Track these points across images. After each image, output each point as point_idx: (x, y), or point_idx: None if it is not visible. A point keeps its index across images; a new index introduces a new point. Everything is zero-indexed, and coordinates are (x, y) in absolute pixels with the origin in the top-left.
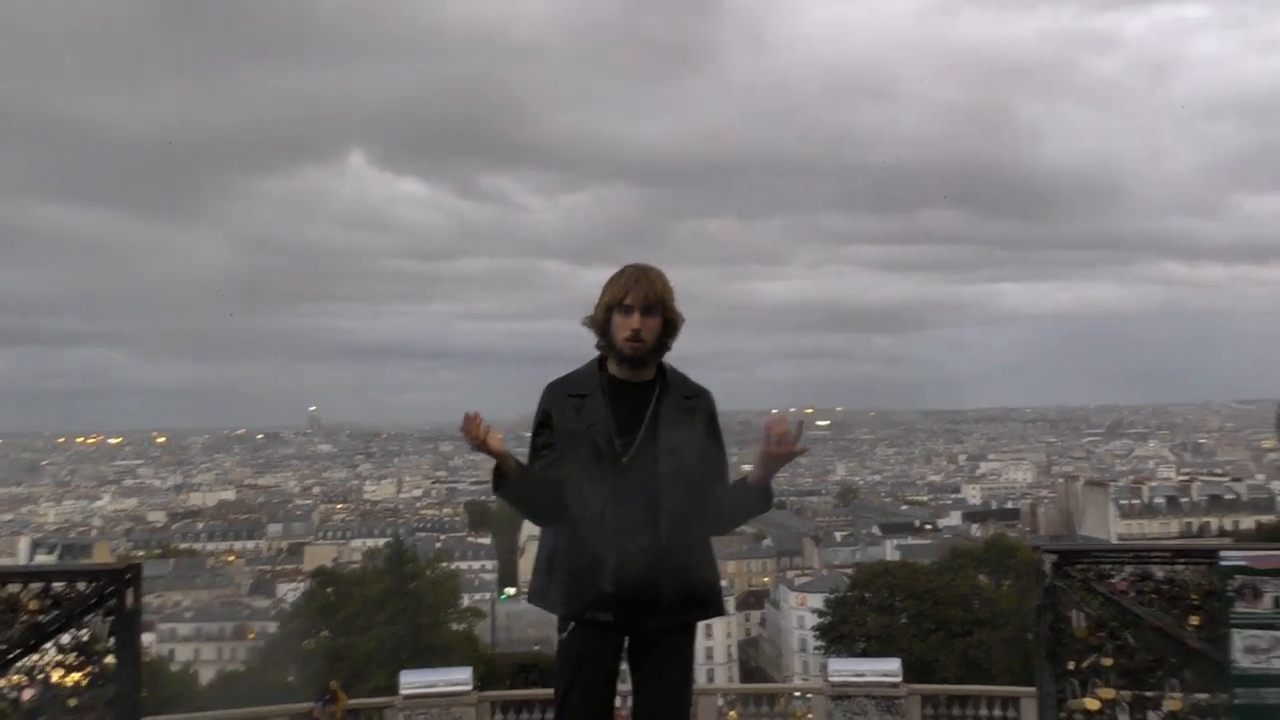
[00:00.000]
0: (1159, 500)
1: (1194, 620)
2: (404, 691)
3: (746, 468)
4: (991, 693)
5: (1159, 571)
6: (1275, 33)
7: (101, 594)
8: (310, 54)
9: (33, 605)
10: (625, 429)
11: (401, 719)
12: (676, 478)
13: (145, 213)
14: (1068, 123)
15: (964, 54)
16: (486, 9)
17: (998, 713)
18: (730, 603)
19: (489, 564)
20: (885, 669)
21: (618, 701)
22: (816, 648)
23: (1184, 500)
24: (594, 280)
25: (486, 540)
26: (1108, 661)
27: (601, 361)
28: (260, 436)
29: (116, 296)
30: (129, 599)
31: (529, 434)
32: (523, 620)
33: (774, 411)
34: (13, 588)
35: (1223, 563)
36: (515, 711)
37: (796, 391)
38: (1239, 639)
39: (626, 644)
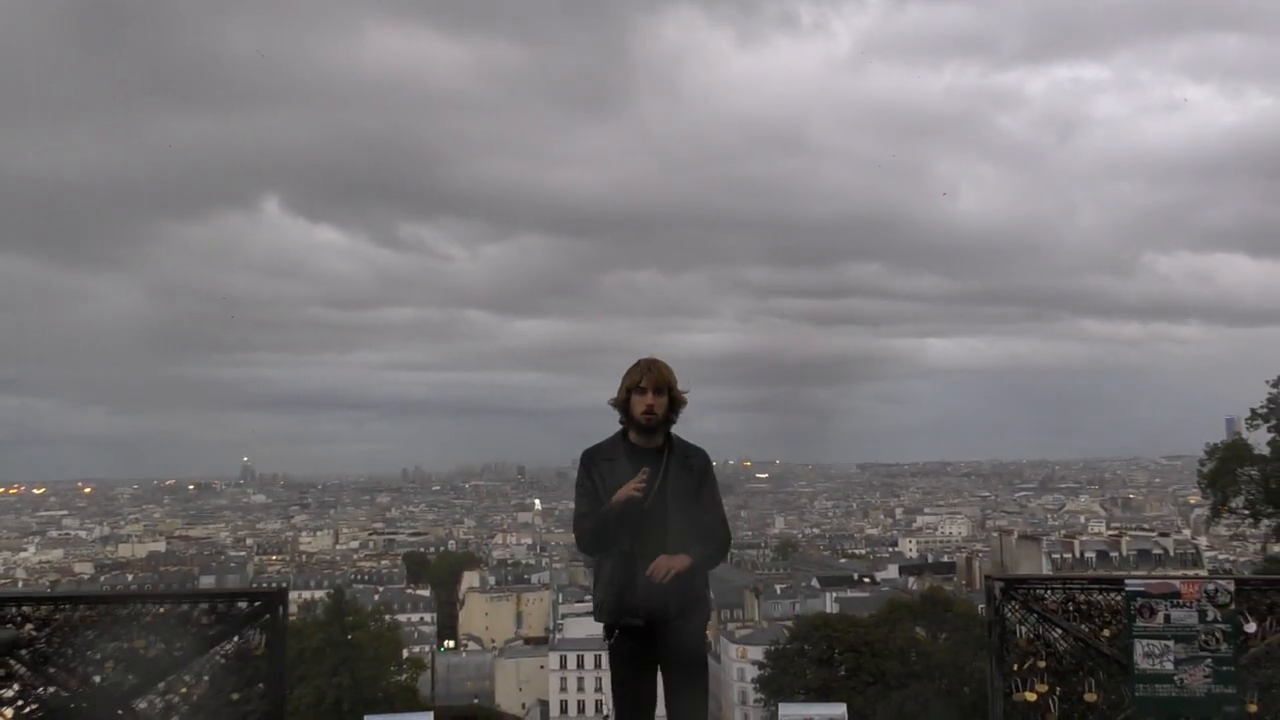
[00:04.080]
0: (1090, 555)
1: (1106, 633)
2: None
3: None
4: None
5: (1080, 595)
6: (1168, 95)
7: (258, 611)
8: (221, 99)
9: (203, 620)
10: (645, 483)
11: None
12: (682, 518)
13: (58, 259)
14: (980, 178)
15: (875, 109)
16: (398, 58)
17: None
18: None
19: (428, 616)
20: (831, 714)
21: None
22: (756, 700)
23: (1114, 555)
24: (520, 330)
25: (425, 592)
26: (1042, 664)
27: (624, 433)
28: (191, 487)
29: (36, 344)
30: (280, 614)
31: (467, 484)
32: (461, 673)
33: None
34: (186, 605)
35: (1128, 588)
36: None
37: (734, 444)
38: (1139, 646)
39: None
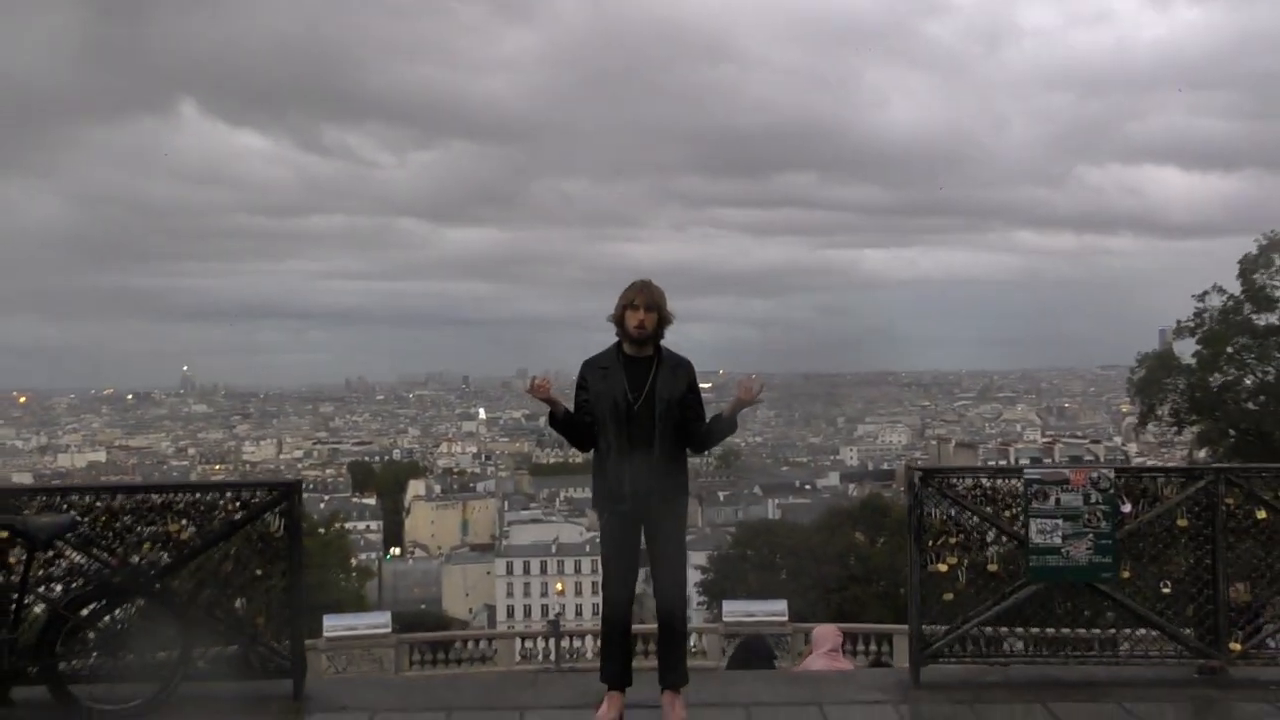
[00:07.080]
0: (1024, 461)
1: (1007, 514)
2: (327, 634)
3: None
4: (868, 630)
5: (986, 482)
6: (1099, 6)
7: (276, 499)
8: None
9: (229, 508)
10: (635, 388)
11: (324, 660)
12: (667, 418)
13: None
14: (909, 88)
15: (802, 17)
16: None
17: (874, 647)
18: None
19: (374, 524)
20: (773, 609)
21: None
22: (700, 603)
23: (1046, 461)
24: (456, 239)
25: (371, 501)
26: (953, 540)
27: (619, 345)
28: (130, 397)
29: None
30: (295, 502)
31: (410, 394)
32: (408, 580)
33: (750, 375)
34: (213, 494)
35: (1025, 476)
36: (431, 651)
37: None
38: (1034, 525)
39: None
